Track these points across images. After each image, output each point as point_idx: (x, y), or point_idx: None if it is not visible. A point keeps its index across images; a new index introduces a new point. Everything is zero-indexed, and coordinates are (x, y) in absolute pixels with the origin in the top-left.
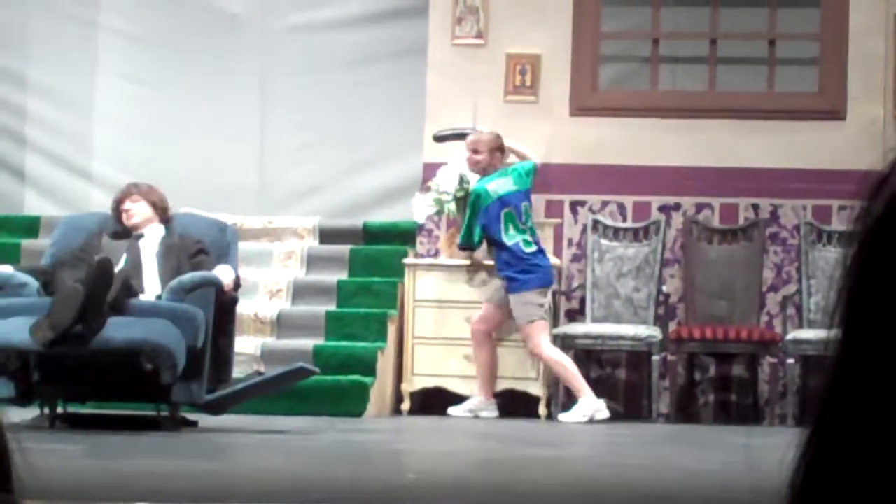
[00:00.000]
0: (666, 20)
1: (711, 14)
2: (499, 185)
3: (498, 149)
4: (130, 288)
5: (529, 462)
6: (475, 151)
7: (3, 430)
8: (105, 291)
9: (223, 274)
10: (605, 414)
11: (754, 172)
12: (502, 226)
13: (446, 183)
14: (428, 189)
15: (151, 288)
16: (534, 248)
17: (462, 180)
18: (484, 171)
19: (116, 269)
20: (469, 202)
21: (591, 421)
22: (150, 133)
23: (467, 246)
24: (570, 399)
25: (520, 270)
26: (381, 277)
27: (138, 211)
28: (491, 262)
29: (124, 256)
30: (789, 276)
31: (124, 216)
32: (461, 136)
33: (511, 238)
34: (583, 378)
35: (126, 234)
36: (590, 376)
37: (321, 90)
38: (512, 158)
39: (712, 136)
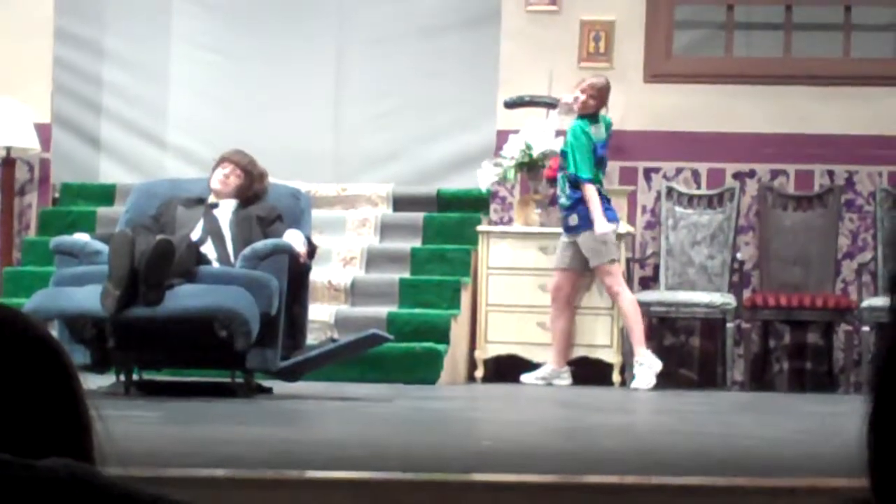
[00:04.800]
0: None
1: None
2: (596, 130)
3: (606, 99)
4: (199, 255)
5: (603, 430)
6: (592, 96)
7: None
8: (163, 273)
9: (293, 239)
10: (658, 364)
11: (830, 139)
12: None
13: (511, 150)
14: (497, 159)
15: (227, 256)
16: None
17: (528, 147)
18: (589, 115)
19: (194, 237)
20: (576, 137)
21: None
22: (225, 101)
23: (593, 179)
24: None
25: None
26: (454, 245)
27: (232, 182)
28: (558, 230)
29: (200, 223)
30: (865, 243)
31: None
32: (532, 104)
33: (597, 182)
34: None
35: (199, 202)
36: (664, 344)
37: (395, 58)
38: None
39: (787, 102)
